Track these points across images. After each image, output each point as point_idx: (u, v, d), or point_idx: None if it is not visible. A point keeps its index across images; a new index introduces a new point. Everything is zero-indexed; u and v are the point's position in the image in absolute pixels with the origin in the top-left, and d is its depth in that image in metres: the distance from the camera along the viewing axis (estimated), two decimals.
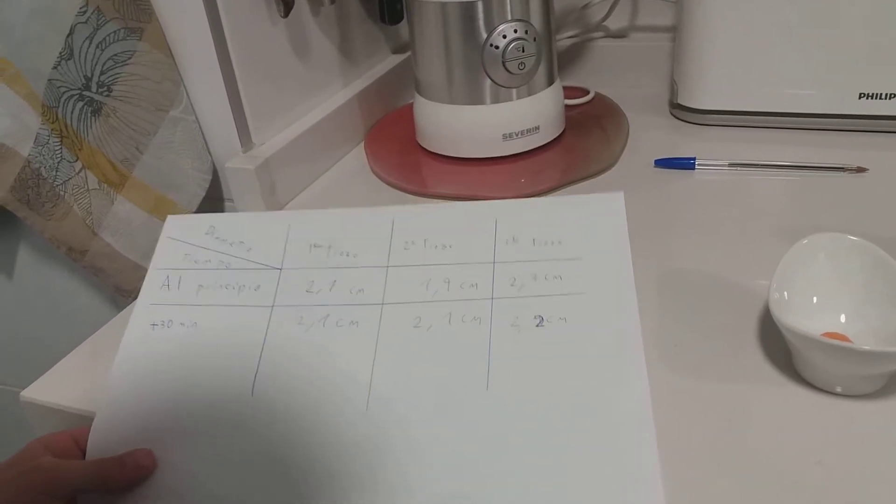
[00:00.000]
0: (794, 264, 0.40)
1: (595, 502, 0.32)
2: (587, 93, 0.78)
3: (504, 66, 0.63)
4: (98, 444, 0.38)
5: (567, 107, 0.74)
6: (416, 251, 0.43)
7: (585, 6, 0.80)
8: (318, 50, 0.70)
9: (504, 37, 0.62)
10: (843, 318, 0.40)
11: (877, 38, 0.62)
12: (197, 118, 0.62)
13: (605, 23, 0.81)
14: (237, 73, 0.60)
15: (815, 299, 0.40)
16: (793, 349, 0.39)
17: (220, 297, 0.43)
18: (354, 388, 0.38)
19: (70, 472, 0.36)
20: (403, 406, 0.37)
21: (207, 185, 0.63)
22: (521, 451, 0.35)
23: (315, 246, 0.44)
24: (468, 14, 0.62)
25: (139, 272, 0.62)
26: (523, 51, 0.63)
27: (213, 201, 0.65)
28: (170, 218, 0.47)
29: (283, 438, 0.37)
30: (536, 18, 0.64)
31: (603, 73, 0.82)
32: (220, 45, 0.58)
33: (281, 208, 0.64)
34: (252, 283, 0.43)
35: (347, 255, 0.44)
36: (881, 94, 0.64)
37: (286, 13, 0.62)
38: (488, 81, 0.64)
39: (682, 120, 0.72)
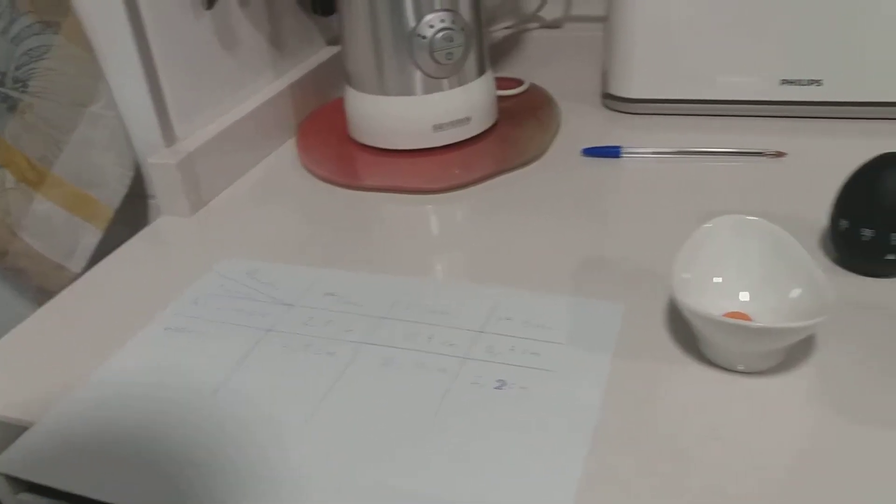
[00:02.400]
0: (697, 247, 0.41)
1: None
2: (521, 83, 0.78)
3: (432, 56, 0.63)
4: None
5: (501, 97, 0.75)
6: (415, 311, 0.47)
7: None
8: (246, 42, 0.69)
9: (431, 27, 0.62)
10: (745, 297, 0.41)
11: (798, 26, 0.63)
12: (119, 113, 0.60)
13: (539, 13, 0.82)
14: (158, 66, 0.59)
15: (718, 280, 0.41)
16: (695, 330, 0.40)
17: (231, 317, 0.48)
18: (305, 404, 0.40)
19: None
20: (342, 425, 0.39)
21: (129, 182, 0.62)
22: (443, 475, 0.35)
23: (329, 294, 0.50)
24: (396, 4, 0.62)
25: (61, 272, 0.61)
26: (451, 41, 0.63)
27: (137, 198, 0.64)
28: (223, 261, 0.55)
29: (234, 441, 0.38)
30: (465, 8, 0.64)
31: (538, 64, 0.83)
32: (140, 38, 0.57)
33: (205, 205, 0.63)
34: (262, 311, 0.49)
35: (353, 304, 0.48)
36: (802, 81, 0.66)
37: (210, 5, 0.62)
38: (417, 72, 0.64)
39: (613, 109, 0.73)
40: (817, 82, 0.65)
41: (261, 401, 0.41)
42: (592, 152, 0.65)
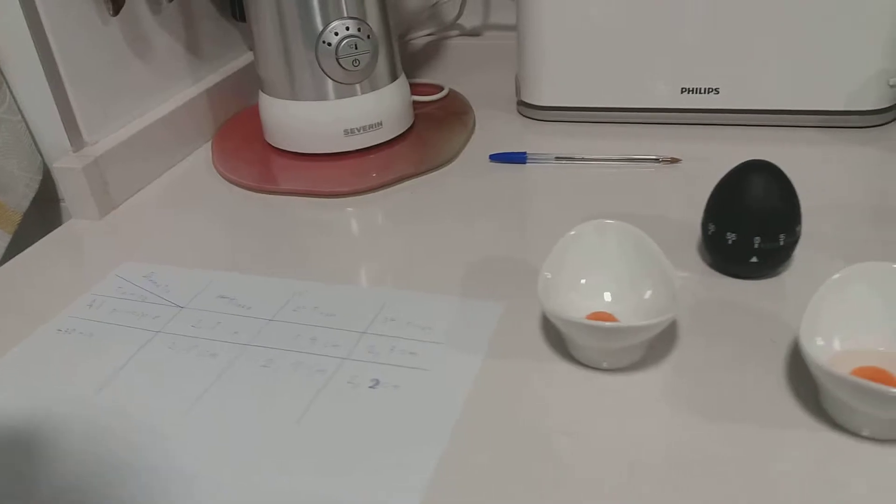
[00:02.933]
0: (564, 250, 0.43)
1: None
2: (441, 89, 0.80)
3: (338, 62, 0.64)
4: None
5: (419, 103, 0.76)
6: (303, 314, 0.48)
7: (435, 4, 0.82)
8: (160, 48, 0.70)
9: (336, 34, 0.63)
10: (608, 298, 0.43)
11: (696, 36, 0.66)
12: (24, 117, 0.61)
13: (459, 21, 0.83)
14: (62, 71, 0.60)
15: (583, 281, 0.43)
16: (560, 331, 0.41)
17: (123, 318, 0.49)
18: (182, 402, 0.42)
19: None
20: (214, 424, 0.40)
21: (37, 187, 0.62)
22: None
23: (221, 297, 0.51)
24: (303, 10, 0.63)
25: None
26: (356, 48, 0.64)
27: (46, 203, 0.64)
28: (123, 264, 0.56)
29: (114, 435, 0.40)
30: (372, 16, 0.65)
31: (458, 71, 0.84)
32: (40, 43, 0.58)
33: (115, 207, 0.64)
34: (154, 314, 0.50)
35: (243, 307, 0.50)
36: (700, 89, 0.68)
37: (115, 12, 0.62)
38: (326, 78, 0.65)
39: (526, 116, 0.75)
40: (715, 91, 0.68)
41: (141, 399, 0.42)
42: (499, 158, 0.67)
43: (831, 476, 0.34)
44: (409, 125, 0.72)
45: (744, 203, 0.46)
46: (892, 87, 0.64)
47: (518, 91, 0.75)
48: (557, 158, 0.65)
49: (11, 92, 0.60)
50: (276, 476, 0.36)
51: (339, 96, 0.66)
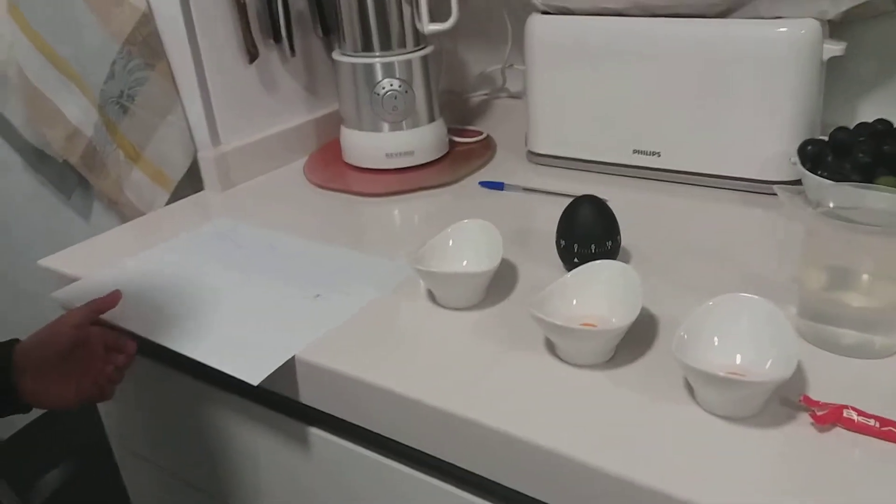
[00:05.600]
0: (447, 240, 0.68)
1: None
2: (480, 134, 1.06)
3: (382, 107, 0.93)
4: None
5: (459, 143, 1.04)
6: (307, 261, 0.77)
7: (481, 73, 1.09)
8: (284, 86, 1.03)
9: (383, 88, 0.93)
10: (467, 264, 0.67)
11: (644, 112, 0.87)
12: (187, 123, 0.96)
13: (505, 86, 1.09)
14: (212, 97, 0.94)
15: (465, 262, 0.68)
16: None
17: (207, 244, 0.82)
18: (219, 283, 0.73)
19: (74, 311, 0.67)
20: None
21: (188, 165, 0.97)
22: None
23: (270, 246, 0.80)
24: (367, 71, 0.93)
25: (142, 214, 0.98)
26: (395, 98, 0.93)
27: (193, 178, 0.99)
28: (222, 218, 0.88)
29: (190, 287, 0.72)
30: (417, 80, 0.94)
31: (500, 122, 1.10)
32: (200, 77, 0.93)
33: (232, 187, 0.97)
34: (224, 246, 0.82)
35: (281, 254, 0.79)
36: (648, 151, 0.88)
37: (251, 61, 0.96)
38: (376, 117, 0.94)
39: (530, 161, 0.99)
40: (657, 154, 0.87)
41: (196, 275, 0.74)
42: (485, 185, 0.92)
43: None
44: (439, 155, 0.99)
45: (573, 222, 0.67)
46: (792, 164, 0.80)
47: (526, 141, 0.99)
48: (525, 189, 0.89)
49: (182, 105, 0.96)
50: (249, 320, 0.66)
51: (385, 130, 0.95)
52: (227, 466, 0.78)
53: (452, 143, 1.04)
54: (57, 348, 0.64)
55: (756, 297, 0.54)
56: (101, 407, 0.88)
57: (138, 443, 0.89)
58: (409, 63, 0.94)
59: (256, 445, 0.72)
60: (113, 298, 0.69)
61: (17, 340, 0.65)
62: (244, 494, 0.79)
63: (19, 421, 1.40)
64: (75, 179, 1.15)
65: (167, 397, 0.79)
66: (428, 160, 0.98)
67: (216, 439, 0.77)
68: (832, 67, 0.81)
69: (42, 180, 1.20)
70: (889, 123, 0.77)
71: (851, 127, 0.77)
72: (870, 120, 0.78)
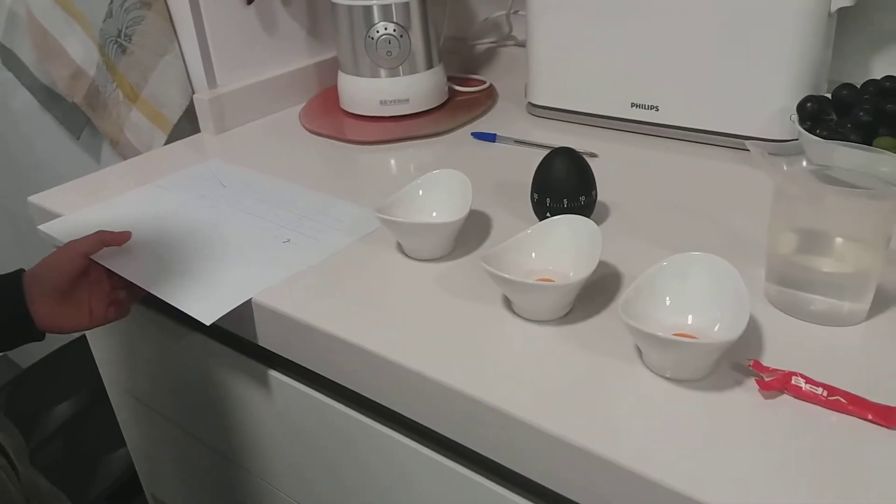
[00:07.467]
0: (415, 191, 0.67)
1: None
2: (484, 83, 1.03)
3: (377, 51, 0.91)
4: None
5: (460, 92, 1.01)
6: (284, 201, 0.77)
7: (486, 19, 1.05)
8: (284, 29, 1.02)
9: (378, 32, 0.91)
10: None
11: (644, 64, 0.83)
12: (184, 63, 0.96)
13: (512, 34, 1.06)
14: (209, 38, 0.94)
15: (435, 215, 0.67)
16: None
17: (195, 183, 0.83)
18: (208, 216, 0.75)
19: (80, 240, 0.66)
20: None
21: (185, 107, 0.97)
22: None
23: (248, 185, 0.81)
24: (364, 14, 0.91)
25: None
26: (389, 43, 0.91)
27: (189, 119, 0.99)
28: (214, 160, 0.89)
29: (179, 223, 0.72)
30: (415, 24, 0.92)
31: (505, 72, 1.07)
32: (197, 19, 0.92)
33: (227, 130, 0.97)
34: (210, 185, 0.82)
35: (259, 193, 0.80)
36: (646, 105, 0.85)
37: (249, 2, 0.95)
38: (370, 62, 0.93)
39: (529, 112, 0.96)
40: (655, 108, 0.84)
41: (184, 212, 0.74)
42: (477, 136, 0.89)
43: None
44: (436, 104, 0.97)
45: (543, 175, 0.65)
46: (792, 121, 0.76)
47: (525, 93, 0.96)
48: (516, 141, 0.87)
49: (180, 46, 0.95)
50: (216, 260, 0.66)
51: (381, 76, 0.93)
52: (202, 403, 0.79)
53: (453, 92, 1.01)
54: (66, 271, 0.64)
55: (713, 256, 0.52)
56: (91, 342, 0.91)
57: (124, 378, 0.91)
58: (406, 6, 0.91)
59: (225, 385, 0.74)
60: (122, 236, 0.68)
61: (23, 270, 0.65)
62: (215, 433, 0.80)
63: (38, 352, 1.46)
64: (84, 119, 1.16)
65: (144, 333, 0.81)
66: (424, 108, 0.96)
67: (187, 376, 0.78)
68: (843, 19, 0.76)
69: (54, 120, 1.22)
70: None
71: (860, 84, 0.73)
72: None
